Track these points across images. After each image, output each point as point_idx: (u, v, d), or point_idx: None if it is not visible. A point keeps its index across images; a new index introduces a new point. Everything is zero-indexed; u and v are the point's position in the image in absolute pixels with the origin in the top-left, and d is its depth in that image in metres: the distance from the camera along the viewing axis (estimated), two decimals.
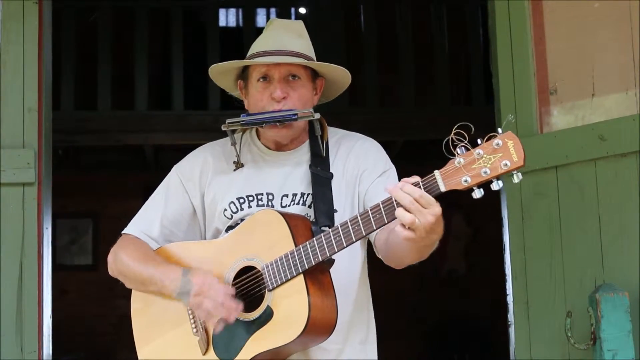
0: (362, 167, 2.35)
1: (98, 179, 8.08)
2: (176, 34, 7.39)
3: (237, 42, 7.08)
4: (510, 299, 3.42)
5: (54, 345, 3.54)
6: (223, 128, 2.33)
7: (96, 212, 8.23)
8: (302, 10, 7.86)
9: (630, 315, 2.91)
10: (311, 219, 2.26)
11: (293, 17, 7.98)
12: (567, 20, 3.37)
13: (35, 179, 3.39)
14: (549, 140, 3.26)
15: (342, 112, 6.50)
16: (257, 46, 2.36)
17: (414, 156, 6.68)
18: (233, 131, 2.35)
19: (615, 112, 3.20)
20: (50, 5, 3.64)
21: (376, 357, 2.40)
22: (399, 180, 2.00)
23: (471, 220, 8.35)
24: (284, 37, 2.34)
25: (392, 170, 2.38)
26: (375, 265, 2.43)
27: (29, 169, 3.38)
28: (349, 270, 2.31)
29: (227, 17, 8.93)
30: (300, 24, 2.42)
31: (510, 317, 3.42)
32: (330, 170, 2.34)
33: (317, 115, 2.31)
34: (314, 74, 2.37)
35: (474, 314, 8.02)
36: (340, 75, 2.39)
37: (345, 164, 2.36)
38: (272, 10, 8.16)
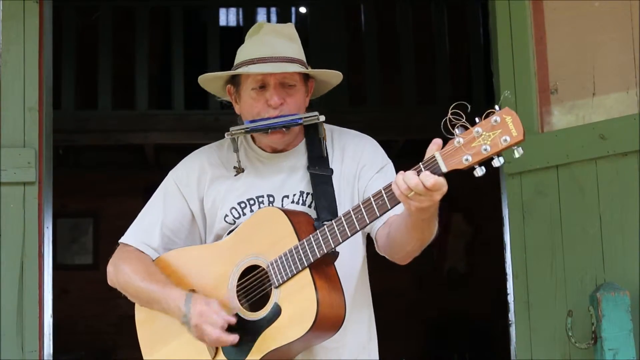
0: (360, 164, 2.34)
1: (98, 178, 8.08)
2: (176, 33, 7.39)
3: (238, 42, 7.06)
4: (511, 298, 3.42)
5: (55, 344, 3.54)
6: (227, 136, 2.31)
7: (97, 212, 8.23)
8: (303, 10, 7.85)
9: (631, 314, 2.91)
10: (313, 218, 2.24)
11: (293, 16, 7.98)
12: (568, 20, 3.37)
13: (35, 179, 3.39)
14: (550, 139, 3.26)
15: (342, 111, 6.50)
16: (249, 52, 2.32)
17: (415, 155, 6.65)
18: (234, 139, 2.33)
19: (615, 112, 3.20)
20: (51, 5, 3.64)
21: (377, 357, 2.38)
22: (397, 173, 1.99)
23: (472, 219, 8.34)
24: (277, 43, 2.31)
25: (390, 165, 2.37)
26: (375, 264, 2.42)
27: (29, 169, 3.38)
28: (349, 267, 2.28)
29: (228, 17, 8.93)
30: (291, 27, 2.38)
31: (511, 316, 3.42)
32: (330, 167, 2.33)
33: (322, 118, 2.29)
34: (306, 77, 2.35)
35: (474, 313, 8.01)
36: (331, 77, 2.38)
37: (342, 161, 2.35)
38: (273, 10, 8.15)
